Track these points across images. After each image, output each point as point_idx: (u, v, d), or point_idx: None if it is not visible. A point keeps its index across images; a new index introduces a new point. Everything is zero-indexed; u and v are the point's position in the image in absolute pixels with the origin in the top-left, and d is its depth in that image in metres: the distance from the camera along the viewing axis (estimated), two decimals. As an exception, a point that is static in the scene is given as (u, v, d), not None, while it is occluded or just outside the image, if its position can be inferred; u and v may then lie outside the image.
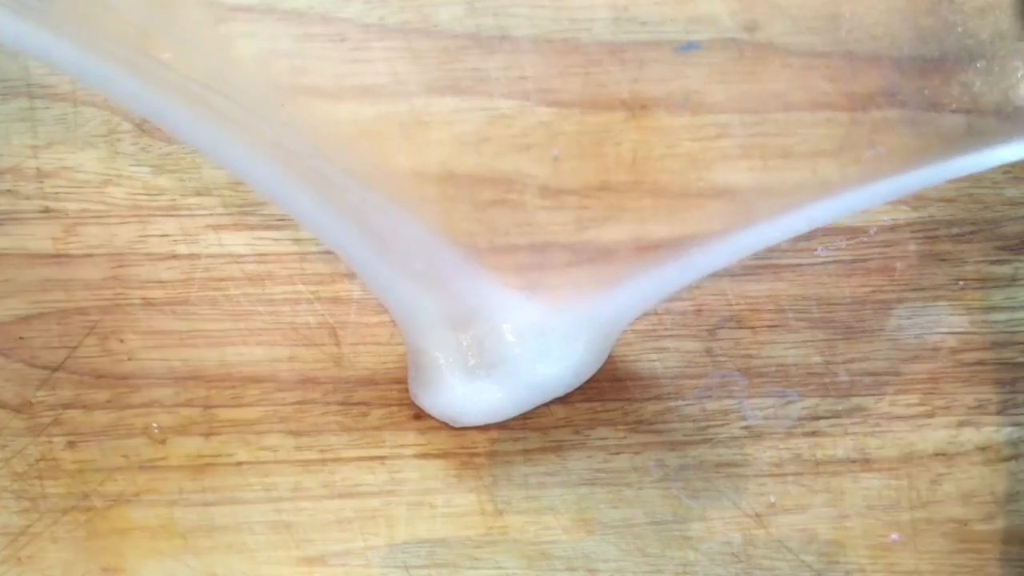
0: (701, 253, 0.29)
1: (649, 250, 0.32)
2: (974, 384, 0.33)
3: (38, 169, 0.33)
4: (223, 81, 0.31)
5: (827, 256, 0.33)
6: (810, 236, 0.33)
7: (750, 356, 0.33)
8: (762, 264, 0.33)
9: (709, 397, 0.33)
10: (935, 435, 0.32)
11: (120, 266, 0.33)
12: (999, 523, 0.32)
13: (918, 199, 0.33)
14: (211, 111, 0.27)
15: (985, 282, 0.33)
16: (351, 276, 0.33)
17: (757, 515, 0.32)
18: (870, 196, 0.29)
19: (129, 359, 0.33)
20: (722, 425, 0.33)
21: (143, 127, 0.33)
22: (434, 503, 0.32)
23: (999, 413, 0.33)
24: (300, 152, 0.29)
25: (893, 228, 0.33)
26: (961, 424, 0.32)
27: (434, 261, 0.30)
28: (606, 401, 0.33)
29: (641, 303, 0.31)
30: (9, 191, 0.33)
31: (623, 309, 0.31)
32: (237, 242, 0.33)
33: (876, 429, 0.32)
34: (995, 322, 0.33)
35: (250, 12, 0.33)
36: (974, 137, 0.31)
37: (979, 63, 0.33)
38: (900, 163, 0.29)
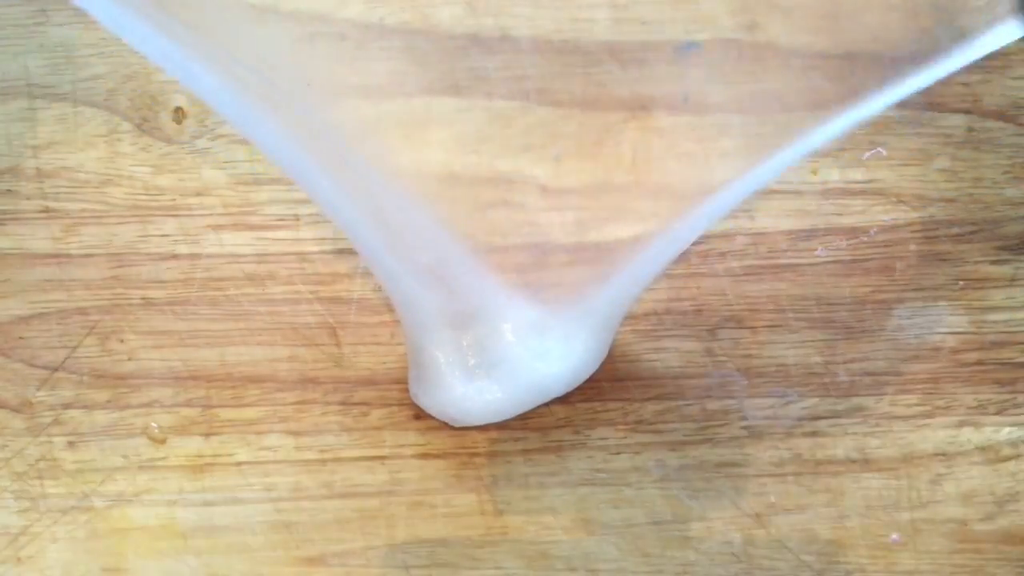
0: (682, 222, 0.29)
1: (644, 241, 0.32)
2: (974, 384, 0.33)
3: (38, 169, 0.33)
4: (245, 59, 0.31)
5: (827, 256, 0.33)
6: (810, 236, 0.33)
7: (750, 356, 0.33)
8: (762, 264, 0.33)
9: (709, 397, 0.33)
10: (935, 435, 0.32)
11: (120, 266, 0.33)
12: (999, 523, 0.32)
13: (918, 199, 0.33)
14: (244, 85, 0.27)
15: (985, 282, 0.33)
16: (351, 276, 0.33)
17: (757, 515, 0.32)
18: (851, 117, 0.28)
19: (129, 359, 0.33)
20: (722, 425, 0.33)
21: (143, 127, 0.33)
22: (434, 503, 0.32)
23: (999, 413, 0.33)
24: (322, 137, 0.29)
25: (893, 228, 0.33)
26: (961, 424, 0.32)
27: (440, 256, 0.30)
28: (606, 401, 0.33)
29: (637, 288, 0.31)
30: (9, 191, 0.33)
31: (620, 298, 0.31)
32: (237, 242, 0.33)
33: (876, 429, 0.32)
34: (995, 322, 0.33)
35: (250, 12, 0.33)
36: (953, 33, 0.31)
37: (979, 63, 0.33)
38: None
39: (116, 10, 0.25)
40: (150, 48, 0.26)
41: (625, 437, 0.32)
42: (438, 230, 0.30)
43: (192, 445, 0.32)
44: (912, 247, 0.33)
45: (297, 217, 0.33)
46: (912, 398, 0.33)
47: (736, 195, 0.29)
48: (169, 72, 0.26)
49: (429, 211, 0.31)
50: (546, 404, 0.32)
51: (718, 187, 0.29)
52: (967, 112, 0.33)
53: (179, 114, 0.33)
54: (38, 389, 0.32)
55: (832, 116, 0.28)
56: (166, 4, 0.27)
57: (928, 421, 0.33)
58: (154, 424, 0.32)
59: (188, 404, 0.32)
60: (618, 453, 0.32)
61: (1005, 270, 0.33)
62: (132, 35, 0.25)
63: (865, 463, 0.32)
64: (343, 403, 0.33)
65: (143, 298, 0.33)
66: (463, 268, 0.30)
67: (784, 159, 0.28)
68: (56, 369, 0.32)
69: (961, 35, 0.33)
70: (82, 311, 0.33)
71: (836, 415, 0.33)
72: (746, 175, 0.29)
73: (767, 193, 0.33)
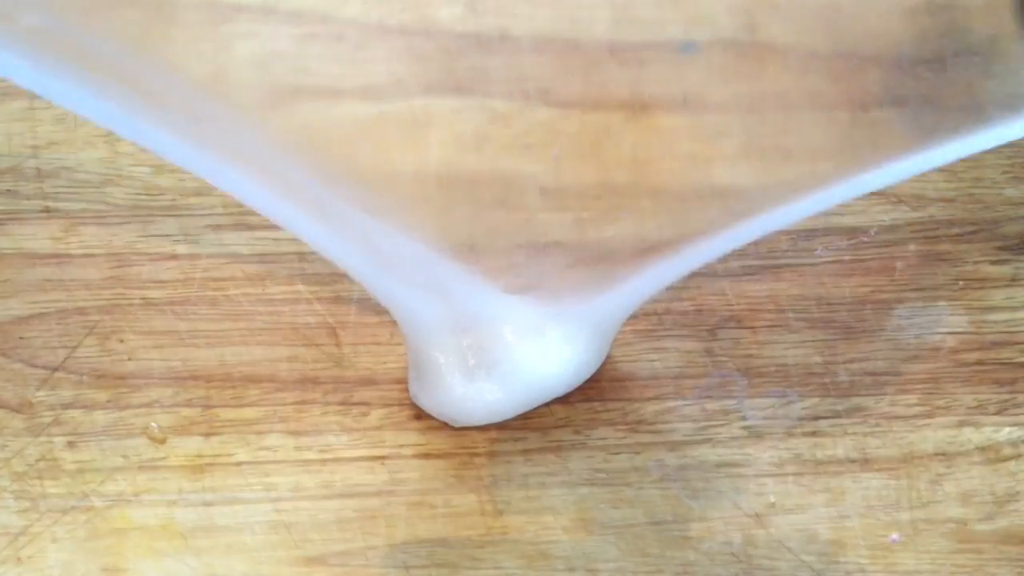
0: (695, 246, 0.29)
1: (649, 250, 0.32)
2: (974, 384, 0.33)
3: (38, 169, 0.33)
4: (221, 88, 0.31)
5: (827, 256, 0.33)
6: (810, 236, 0.33)
7: (750, 356, 0.33)
8: (762, 264, 0.33)
9: (709, 397, 0.33)
10: (935, 435, 0.32)
11: (120, 266, 0.33)
12: (999, 523, 0.32)
13: (918, 199, 0.33)
14: (214, 144, 0.27)
15: (985, 282, 0.33)
16: (351, 276, 0.33)
17: (757, 515, 0.32)
18: (868, 183, 0.29)
19: (129, 359, 0.33)
20: (722, 425, 0.33)
21: (143, 127, 0.33)
22: (434, 503, 0.32)
23: (999, 413, 0.33)
24: (303, 184, 0.29)
25: (893, 228, 0.33)
26: (961, 424, 0.32)
27: (434, 276, 0.30)
28: (606, 401, 0.33)
29: (639, 298, 0.31)
30: (9, 191, 0.33)
31: (621, 305, 0.31)
32: (237, 242, 0.33)
33: (876, 429, 0.32)
34: (995, 322, 0.33)
35: (250, 12, 0.33)
36: (976, 118, 0.31)
37: (979, 63, 0.33)
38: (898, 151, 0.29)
39: (76, 91, 0.25)
40: (114, 123, 0.25)
41: (625, 437, 0.32)
42: (429, 252, 0.30)
43: (192, 445, 0.32)
44: (912, 247, 0.33)
45: (297, 217, 0.33)
46: (912, 398, 0.33)
47: (746, 234, 0.29)
48: (134, 141, 0.26)
49: (418, 234, 0.30)
50: (546, 404, 0.32)
51: (738, 218, 0.29)
52: (967, 112, 0.33)
53: (179, 114, 0.33)
54: (38, 389, 0.32)
55: (863, 171, 0.28)
56: (125, 77, 0.27)
57: (928, 421, 0.33)
58: (154, 424, 0.32)
59: (188, 404, 0.32)
60: (618, 453, 0.32)
61: (1005, 270, 0.33)
62: (91, 111, 0.25)
63: (865, 463, 0.32)
64: (343, 403, 0.33)
65: (143, 298, 0.33)
66: (458, 282, 0.30)
67: (802, 208, 0.28)
68: (56, 369, 0.32)
69: (961, 36, 0.33)
70: (82, 311, 0.33)
71: (836, 415, 0.33)
72: (761, 215, 0.29)
73: (767, 193, 0.33)
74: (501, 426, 0.32)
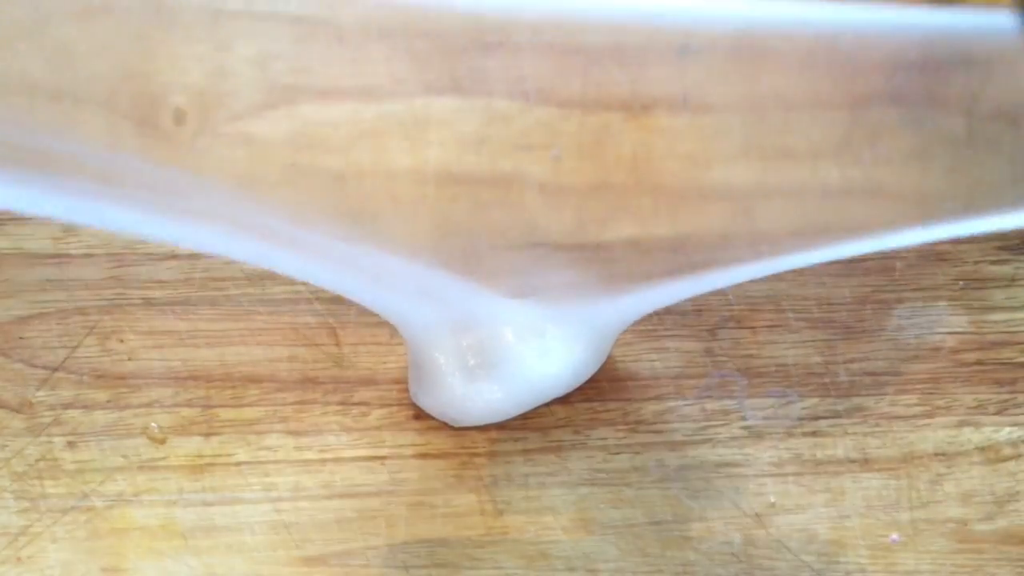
0: (709, 274, 0.29)
1: (651, 255, 0.32)
2: (974, 384, 0.33)
3: (38, 169, 0.33)
4: (219, 89, 0.31)
5: (827, 256, 0.33)
6: (810, 236, 0.33)
7: (750, 356, 0.33)
8: (762, 264, 0.33)
9: (709, 397, 0.33)
10: (935, 435, 0.32)
11: (120, 266, 0.33)
12: (999, 523, 0.32)
13: (918, 199, 0.33)
14: (182, 212, 0.27)
15: (985, 282, 0.33)
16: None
17: (757, 515, 0.32)
18: (893, 240, 0.29)
19: (129, 359, 0.33)
20: (722, 425, 0.33)
21: (143, 127, 0.33)
22: (434, 503, 0.32)
23: (999, 413, 0.33)
24: (281, 229, 0.29)
25: (893, 228, 0.33)
26: (961, 424, 0.32)
27: (430, 286, 0.30)
28: (606, 401, 0.33)
29: (642, 310, 0.31)
30: (9, 191, 0.33)
31: (624, 314, 0.31)
32: (237, 242, 0.33)
33: (876, 429, 0.32)
34: (995, 322, 0.33)
35: (250, 12, 0.33)
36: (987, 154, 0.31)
37: (979, 63, 0.33)
38: (904, 168, 0.29)
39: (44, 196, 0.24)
40: (71, 214, 0.25)
41: (625, 437, 0.32)
42: (419, 269, 0.30)
43: (192, 445, 0.32)
44: (912, 247, 0.33)
45: (297, 217, 0.33)
46: (912, 398, 0.33)
47: (763, 270, 0.29)
48: (98, 226, 0.26)
49: (414, 246, 0.30)
50: (546, 404, 0.32)
51: (741, 233, 0.29)
52: (967, 112, 0.33)
53: (179, 114, 0.33)
54: (38, 389, 0.32)
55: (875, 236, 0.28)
56: (74, 167, 0.26)
57: (928, 421, 0.33)
58: (154, 424, 0.32)
59: (188, 404, 0.32)
60: (618, 453, 0.32)
61: (1005, 270, 0.33)
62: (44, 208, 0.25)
63: (865, 463, 0.32)
64: (343, 403, 0.33)
65: (143, 298, 0.33)
66: (456, 290, 0.30)
67: (823, 254, 0.29)
68: (56, 369, 0.32)
69: (961, 36, 0.32)
70: (82, 311, 0.33)
71: (836, 415, 0.33)
72: (781, 256, 0.29)
73: (767, 193, 0.33)
74: (501, 426, 0.32)
